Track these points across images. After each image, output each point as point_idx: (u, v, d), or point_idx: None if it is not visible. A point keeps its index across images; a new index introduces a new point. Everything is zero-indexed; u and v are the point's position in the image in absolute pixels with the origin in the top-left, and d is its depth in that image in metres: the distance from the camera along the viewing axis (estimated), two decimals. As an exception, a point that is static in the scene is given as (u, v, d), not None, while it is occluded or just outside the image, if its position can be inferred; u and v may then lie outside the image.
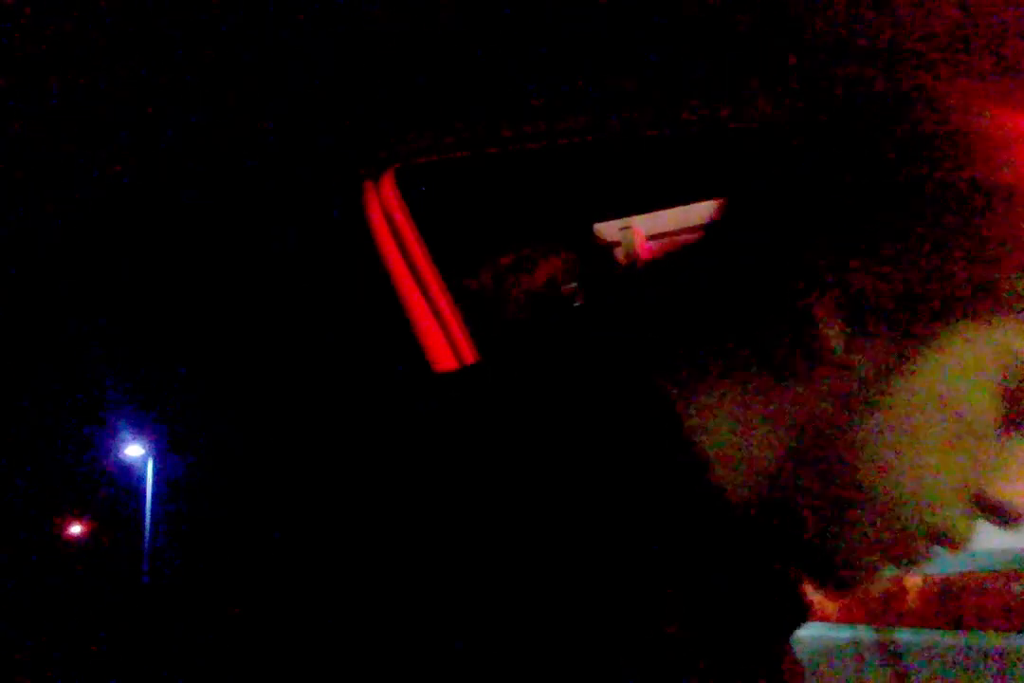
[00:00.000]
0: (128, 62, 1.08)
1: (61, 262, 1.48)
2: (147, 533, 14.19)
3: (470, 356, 1.43)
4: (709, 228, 0.61)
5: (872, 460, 0.54)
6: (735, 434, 0.55)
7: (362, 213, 1.36)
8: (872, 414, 0.54)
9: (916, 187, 0.52)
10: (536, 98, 1.18)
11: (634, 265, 0.62)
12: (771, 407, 0.55)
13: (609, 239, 3.73)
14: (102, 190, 1.34)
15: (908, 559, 0.57)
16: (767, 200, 0.56)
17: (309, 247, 1.43)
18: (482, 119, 1.23)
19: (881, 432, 0.54)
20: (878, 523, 0.55)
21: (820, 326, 0.53)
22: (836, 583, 0.58)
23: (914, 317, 0.52)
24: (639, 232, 3.69)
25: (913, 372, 0.53)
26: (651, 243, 3.67)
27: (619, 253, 3.72)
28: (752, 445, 0.55)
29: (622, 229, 3.71)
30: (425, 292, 1.40)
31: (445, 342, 1.41)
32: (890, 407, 0.53)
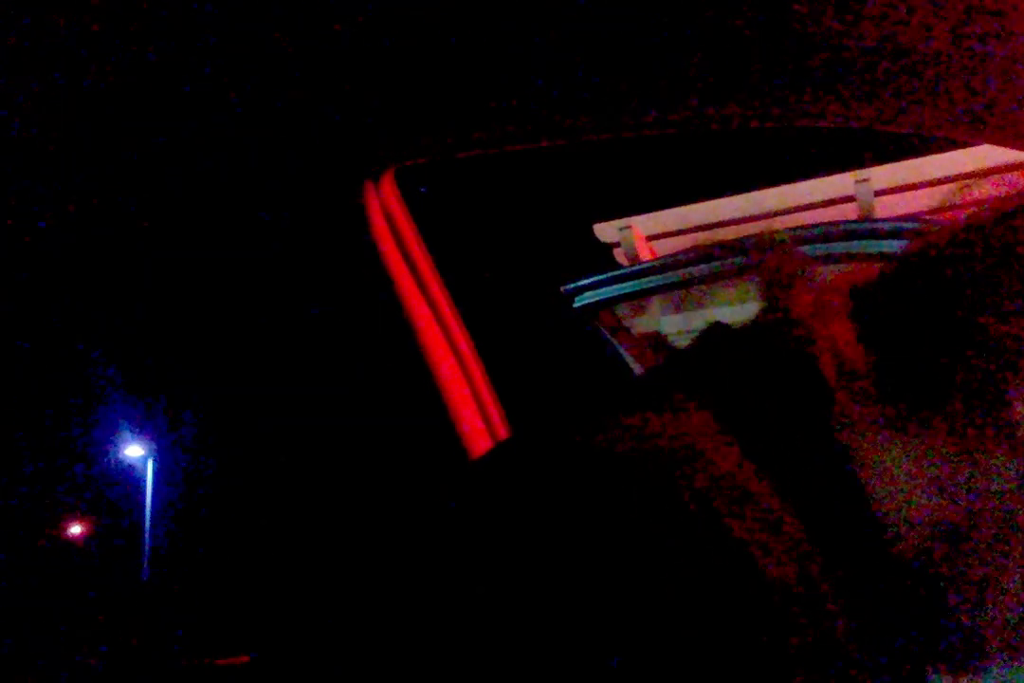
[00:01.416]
0: (129, 60, 1.08)
1: (63, 264, 1.48)
2: (147, 533, 14.19)
3: (501, 427, 1.42)
4: (909, 280, 0.59)
5: None
6: (910, 482, 0.55)
7: (362, 213, 1.36)
8: None
9: None
10: (536, 98, 1.18)
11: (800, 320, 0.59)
12: (946, 473, 0.54)
13: (609, 239, 3.74)
14: (104, 191, 1.34)
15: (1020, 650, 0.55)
16: (976, 270, 0.55)
17: (309, 247, 1.43)
18: (482, 119, 1.23)
19: None
20: (1012, 613, 0.53)
21: (1017, 402, 0.52)
22: (953, 663, 0.57)
23: None
24: (639, 232, 3.70)
25: None
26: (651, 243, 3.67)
27: (619, 253, 3.72)
28: (918, 503, 0.55)
29: (622, 229, 3.71)
30: (438, 317, 1.40)
31: (475, 410, 1.41)
32: None
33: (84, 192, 1.33)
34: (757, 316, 0.60)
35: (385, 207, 1.38)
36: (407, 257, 1.41)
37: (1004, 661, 0.55)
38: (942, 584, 0.54)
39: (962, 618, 0.55)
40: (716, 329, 0.61)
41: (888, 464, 0.55)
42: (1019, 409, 0.52)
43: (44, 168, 1.26)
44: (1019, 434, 0.52)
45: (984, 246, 0.55)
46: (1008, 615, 0.53)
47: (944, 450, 0.54)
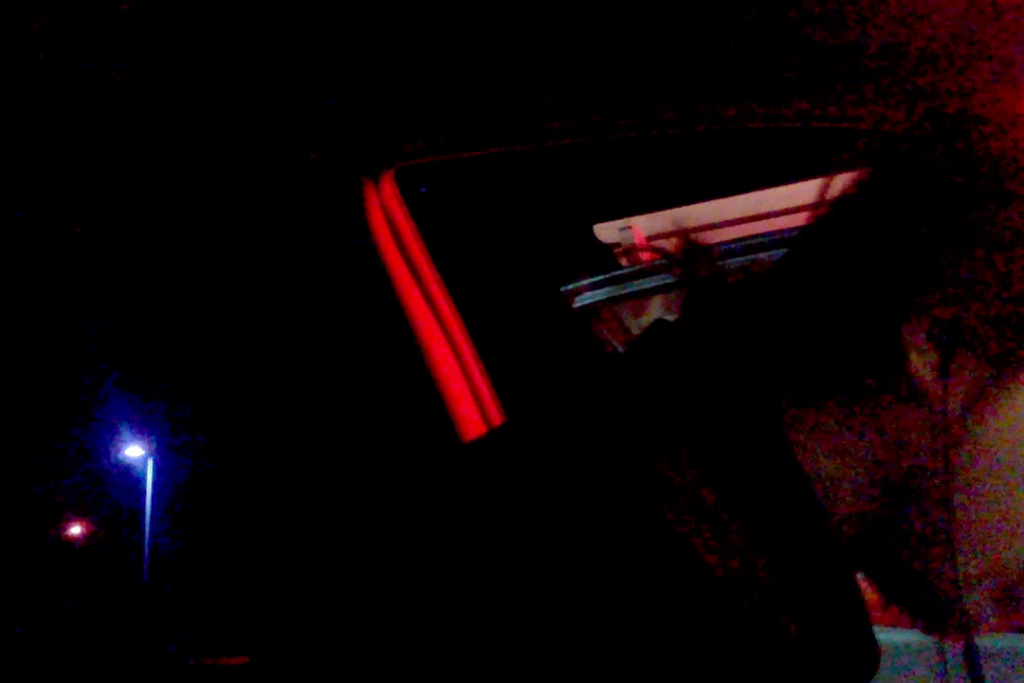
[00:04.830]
0: (131, 61, 1.09)
1: (63, 265, 1.49)
2: (147, 533, 14.20)
3: (495, 412, 1.42)
4: (800, 254, 0.60)
5: (965, 492, 0.52)
6: (833, 456, 0.55)
7: (362, 213, 1.36)
8: (965, 444, 0.53)
9: (1005, 210, 0.51)
10: (536, 99, 1.18)
11: (730, 287, 0.61)
12: (866, 433, 0.55)
13: (609, 239, 3.74)
14: (104, 192, 1.34)
15: (1007, 599, 0.55)
16: (856, 230, 0.56)
17: (310, 247, 1.43)
18: (481, 119, 1.23)
19: (974, 463, 0.53)
20: (973, 559, 0.53)
21: (912, 355, 0.53)
22: (930, 621, 0.57)
23: (1007, 345, 0.51)
24: (639, 232, 3.71)
25: (1007, 401, 0.52)
26: (653, 243, 3.68)
27: (619, 253, 3.73)
28: (847, 469, 0.55)
29: (622, 229, 3.72)
30: (442, 324, 1.40)
31: (469, 395, 1.41)
32: (983, 437, 0.53)
33: (84, 191, 1.33)
34: (683, 309, 0.62)
35: (385, 207, 1.38)
36: (407, 257, 1.41)
37: (993, 614, 0.55)
38: (891, 537, 0.55)
39: (919, 569, 0.55)
40: (657, 326, 0.63)
41: (812, 441, 0.55)
42: (915, 360, 0.53)
43: (43, 166, 1.26)
44: (919, 384, 0.53)
45: (854, 216, 0.57)
46: (964, 562, 0.53)
47: (859, 415, 0.55)
